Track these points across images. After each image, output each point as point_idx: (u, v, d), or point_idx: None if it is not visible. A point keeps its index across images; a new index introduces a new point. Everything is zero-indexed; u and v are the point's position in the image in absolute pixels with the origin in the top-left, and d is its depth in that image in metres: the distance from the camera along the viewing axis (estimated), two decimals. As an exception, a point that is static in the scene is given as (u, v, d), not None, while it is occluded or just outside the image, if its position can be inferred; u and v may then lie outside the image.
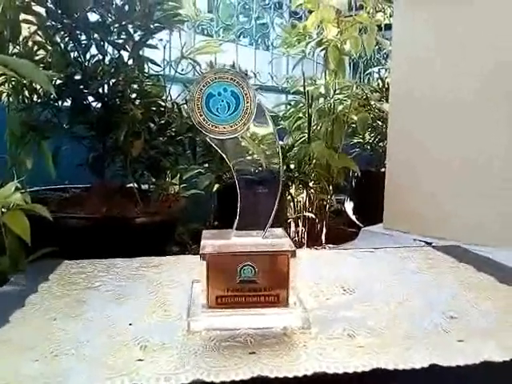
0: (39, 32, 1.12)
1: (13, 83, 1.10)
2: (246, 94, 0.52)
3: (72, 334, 0.49)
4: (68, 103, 1.16)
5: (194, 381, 0.40)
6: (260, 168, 0.56)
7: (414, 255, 0.80)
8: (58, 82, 1.11)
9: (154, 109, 1.22)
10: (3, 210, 1.02)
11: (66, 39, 1.13)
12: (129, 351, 0.45)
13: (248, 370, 0.42)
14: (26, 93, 1.11)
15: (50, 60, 1.11)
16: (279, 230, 0.59)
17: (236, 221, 0.55)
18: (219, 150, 0.54)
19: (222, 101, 0.52)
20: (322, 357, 0.44)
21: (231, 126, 0.52)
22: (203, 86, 0.51)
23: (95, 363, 0.43)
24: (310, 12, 2.08)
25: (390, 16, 2.18)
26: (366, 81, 2.65)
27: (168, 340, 0.48)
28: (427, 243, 1.44)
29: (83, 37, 1.14)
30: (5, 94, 1.10)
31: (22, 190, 1.10)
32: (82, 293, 0.61)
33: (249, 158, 0.56)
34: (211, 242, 0.54)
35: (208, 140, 0.53)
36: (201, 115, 0.52)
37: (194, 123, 0.52)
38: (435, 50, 1.44)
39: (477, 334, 0.50)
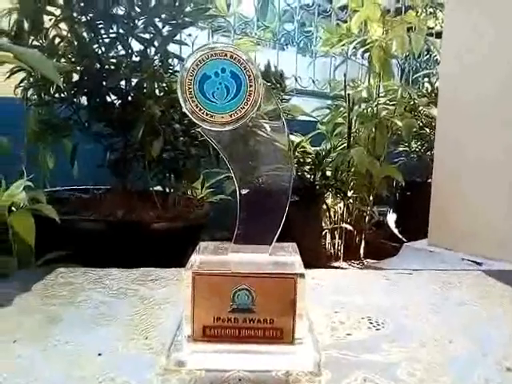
0: (60, 26, 1.07)
1: (31, 78, 1.05)
2: (249, 76, 0.42)
3: (27, 363, 0.40)
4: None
5: None
6: (267, 170, 0.46)
7: (462, 281, 0.67)
8: (77, 77, 1.06)
9: (178, 107, 1.15)
10: (13, 209, 0.97)
11: (88, 32, 1.08)
12: (83, 393, 0.36)
13: (226, 434, 0.31)
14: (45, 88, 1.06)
15: (70, 53, 1.06)
16: (291, 246, 0.48)
17: (235, 233, 0.45)
18: (216, 145, 0.44)
19: (220, 83, 0.42)
20: (329, 420, 0.33)
21: (230, 116, 0.42)
22: (196, 65, 0.41)
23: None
24: (355, 12, 1.96)
25: (442, 22, 2.03)
26: (415, 85, 2.49)
27: (137, 380, 0.38)
28: (477, 263, 1.28)
29: (105, 30, 1.08)
30: (21, 89, 1.05)
31: (37, 189, 1.04)
32: (59, 309, 0.52)
33: (253, 155, 0.46)
34: (202, 257, 0.44)
35: (202, 132, 0.43)
36: (193, 101, 0.42)
37: (185, 111, 0.42)
38: (486, 55, 1.30)
39: (545, 397, 0.37)
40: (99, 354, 0.42)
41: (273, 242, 0.45)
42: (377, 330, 0.49)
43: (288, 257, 0.45)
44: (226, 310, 0.40)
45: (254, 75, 0.42)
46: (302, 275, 0.40)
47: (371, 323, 0.51)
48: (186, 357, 0.40)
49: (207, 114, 0.42)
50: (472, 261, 1.28)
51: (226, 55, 0.41)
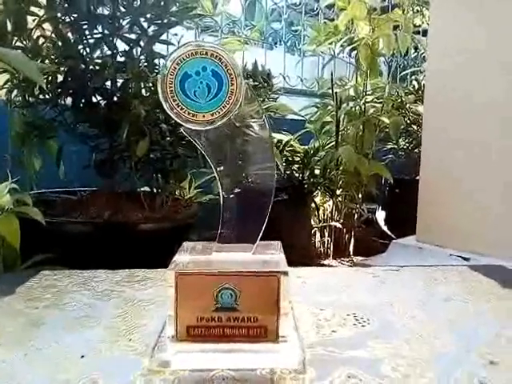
0: (44, 26, 1.06)
1: (14, 80, 1.04)
2: (230, 75, 0.41)
3: (9, 369, 0.40)
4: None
5: None
6: (253, 169, 0.46)
7: (448, 277, 0.67)
8: (61, 77, 1.05)
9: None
10: (-2, 212, 0.95)
11: (72, 33, 1.07)
12: (65, 396, 0.35)
13: (208, 434, 0.31)
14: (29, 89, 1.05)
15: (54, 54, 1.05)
16: (275, 244, 0.48)
17: (219, 232, 0.45)
18: (198, 145, 0.44)
19: (201, 82, 0.42)
20: (312, 417, 0.33)
21: (212, 115, 0.42)
22: (177, 64, 0.41)
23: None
24: (342, 11, 1.97)
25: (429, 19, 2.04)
26: (402, 83, 2.50)
27: (120, 382, 0.37)
28: (464, 259, 1.29)
29: (90, 30, 1.08)
30: (5, 91, 1.04)
31: (22, 192, 1.03)
32: (43, 312, 0.52)
33: (238, 155, 0.46)
34: (185, 257, 0.44)
35: (184, 131, 0.43)
36: (174, 100, 0.42)
37: (166, 109, 0.42)
38: (472, 51, 1.31)
39: (527, 389, 0.38)
40: (82, 356, 0.42)
41: (256, 241, 0.45)
42: (362, 326, 0.49)
43: (272, 255, 0.44)
44: (210, 309, 0.40)
45: (235, 74, 0.42)
46: (285, 273, 0.40)
47: (357, 320, 0.51)
48: (170, 357, 0.39)
49: (189, 113, 0.42)
50: (459, 256, 1.29)
51: (206, 54, 0.41)
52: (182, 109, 0.42)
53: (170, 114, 0.42)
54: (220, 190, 0.45)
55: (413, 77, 2.52)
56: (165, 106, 0.42)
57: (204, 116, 0.42)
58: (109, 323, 0.49)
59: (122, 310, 0.52)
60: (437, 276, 0.67)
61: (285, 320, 0.41)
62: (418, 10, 2.41)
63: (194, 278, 0.40)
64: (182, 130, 0.43)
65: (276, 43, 3.00)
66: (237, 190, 0.45)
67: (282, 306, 0.40)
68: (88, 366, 0.40)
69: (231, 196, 0.45)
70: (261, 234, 0.45)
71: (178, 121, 0.42)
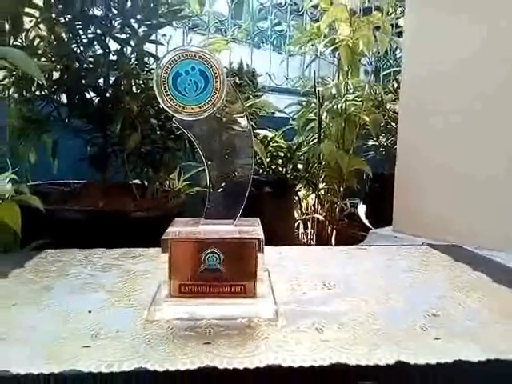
0: (40, 26, 1.12)
1: (13, 76, 1.10)
2: (215, 73, 0.49)
3: (26, 320, 0.47)
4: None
5: (136, 369, 0.37)
6: (231, 150, 0.54)
7: (409, 253, 0.76)
8: (57, 75, 1.11)
9: (155, 103, 1.21)
10: (-1, 201, 1.02)
11: (67, 33, 1.13)
12: (78, 338, 0.43)
13: (197, 359, 0.39)
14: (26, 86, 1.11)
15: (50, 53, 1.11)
16: (254, 220, 0.56)
17: (205, 208, 0.53)
18: (188, 133, 0.52)
19: (190, 80, 0.49)
20: (281, 349, 0.41)
21: (200, 107, 0.50)
22: (170, 64, 0.49)
23: (39, 348, 0.41)
24: (325, 12, 2.05)
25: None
26: (387, 83, 2.60)
27: (124, 328, 0.45)
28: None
29: (84, 30, 1.14)
30: (3, 87, 1.10)
31: (20, 182, 1.10)
32: (51, 280, 0.59)
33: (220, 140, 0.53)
34: (176, 228, 0.51)
35: (175, 122, 0.51)
36: (167, 95, 0.49)
37: (161, 103, 0.49)
38: (448, 53, 1.39)
39: (458, 333, 0.46)
40: (89, 312, 0.49)
41: (237, 217, 0.53)
42: (329, 289, 0.58)
43: (250, 227, 0.52)
44: (198, 270, 0.48)
45: (219, 73, 0.49)
46: (260, 240, 0.48)
47: (325, 285, 0.59)
48: (165, 309, 0.47)
49: (179, 106, 0.49)
50: (430, 244, 1.38)
51: (195, 56, 0.49)
52: (174, 102, 0.49)
53: (163, 106, 0.50)
54: (206, 171, 0.52)
55: (395, 72, 2.61)
56: (159, 99, 0.50)
57: (192, 108, 0.50)
58: (110, 288, 0.56)
59: (121, 279, 0.60)
60: (399, 252, 0.76)
61: (262, 280, 0.49)
62: (401, 12, 2.50)
63: (184, 244, 0.48)
64: (174, 120, 0.51)
65: (263, 42, 3.07)
66: (222, 178, 0.53)
67: (259, 268, 0.48)
68: (95, 318, 0.48)
69: (217, 183, 0.53)
70: (240, 211, 0.53)
71: (171, 112, 0.50)
